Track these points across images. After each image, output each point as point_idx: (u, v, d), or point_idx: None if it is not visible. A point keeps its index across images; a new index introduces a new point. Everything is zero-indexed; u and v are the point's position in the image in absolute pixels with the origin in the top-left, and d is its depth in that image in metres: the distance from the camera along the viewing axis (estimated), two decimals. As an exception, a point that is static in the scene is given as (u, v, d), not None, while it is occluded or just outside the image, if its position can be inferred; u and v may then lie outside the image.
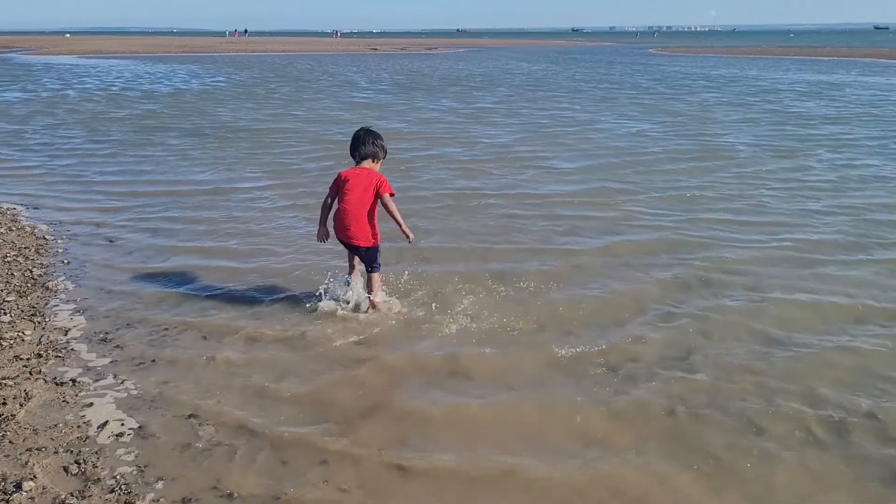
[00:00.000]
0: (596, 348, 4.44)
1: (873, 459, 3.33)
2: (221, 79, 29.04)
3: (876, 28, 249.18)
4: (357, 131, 4.94)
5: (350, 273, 5.12)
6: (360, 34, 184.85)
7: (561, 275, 5.75)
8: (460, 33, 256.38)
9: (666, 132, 13.96)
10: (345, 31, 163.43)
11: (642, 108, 18.36)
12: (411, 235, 4.80)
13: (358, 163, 4.85)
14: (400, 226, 4.75)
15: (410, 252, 6.03)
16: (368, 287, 4.95)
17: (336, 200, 4.84)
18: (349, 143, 4.93)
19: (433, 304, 5.03)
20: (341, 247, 5.03)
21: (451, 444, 3.44)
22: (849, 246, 6.56)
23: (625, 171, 10.02)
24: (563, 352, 4.38)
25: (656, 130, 14.19)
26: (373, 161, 4.86)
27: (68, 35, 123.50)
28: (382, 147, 4.90)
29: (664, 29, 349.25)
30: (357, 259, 5.04)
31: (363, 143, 4.82)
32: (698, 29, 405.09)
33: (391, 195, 4.74)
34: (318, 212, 4.96)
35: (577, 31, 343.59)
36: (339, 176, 4.81)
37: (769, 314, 4.96)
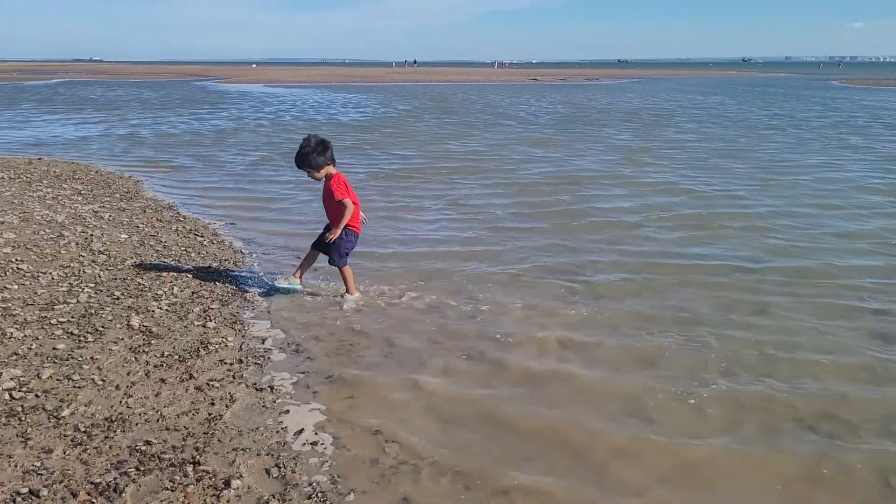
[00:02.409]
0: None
1: None
2: (392, 109, 30.45)
3: None
4: (326, 141, 5.62)
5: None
6: (521, 65, 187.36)
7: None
8: (621, 63, 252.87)
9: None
10: (505, 60, 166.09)
11: (875, 155, 15.44)
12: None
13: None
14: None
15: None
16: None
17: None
18: (313, 151, 5.55)
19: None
20: None
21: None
22: None
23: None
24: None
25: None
26: None
27: (254, 65, 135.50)
28: None
29: (847, 59, 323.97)
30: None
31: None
32: (888, 59, 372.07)
33: None
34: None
35: (747, 60, 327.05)
36: (346, 179, 5.73)
37: None
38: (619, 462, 3.56)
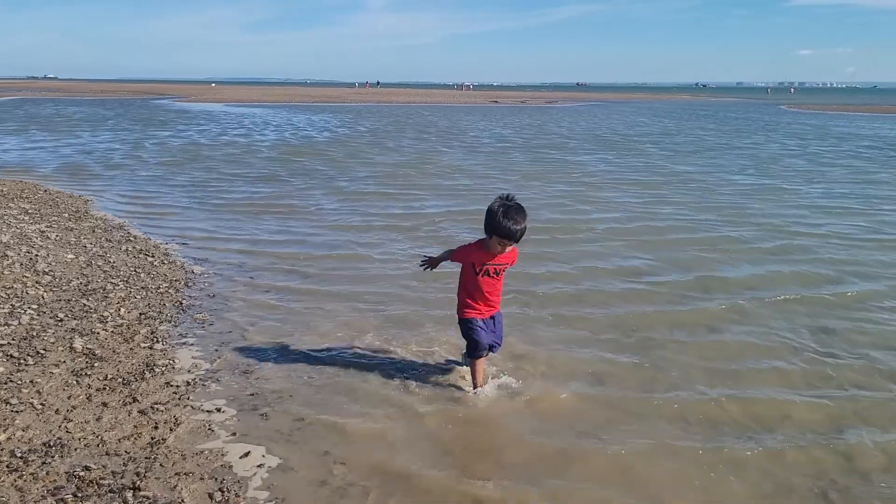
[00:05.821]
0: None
1: None
2: (357, 129, 30.41)
3: None
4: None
5: None
6: (482, 87, 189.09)
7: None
8: (580, 87, 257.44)
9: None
10: (468, 83, 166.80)
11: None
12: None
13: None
14: None
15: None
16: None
17: None
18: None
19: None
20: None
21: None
22: None
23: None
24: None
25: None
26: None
27: (213, 84, 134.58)
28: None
29: (796, 85, 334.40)
30: None
31: None
32: (835, 85, 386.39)
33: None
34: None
35: (700, 85, 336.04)
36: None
37: None
38: (567, 480, 3.57)
